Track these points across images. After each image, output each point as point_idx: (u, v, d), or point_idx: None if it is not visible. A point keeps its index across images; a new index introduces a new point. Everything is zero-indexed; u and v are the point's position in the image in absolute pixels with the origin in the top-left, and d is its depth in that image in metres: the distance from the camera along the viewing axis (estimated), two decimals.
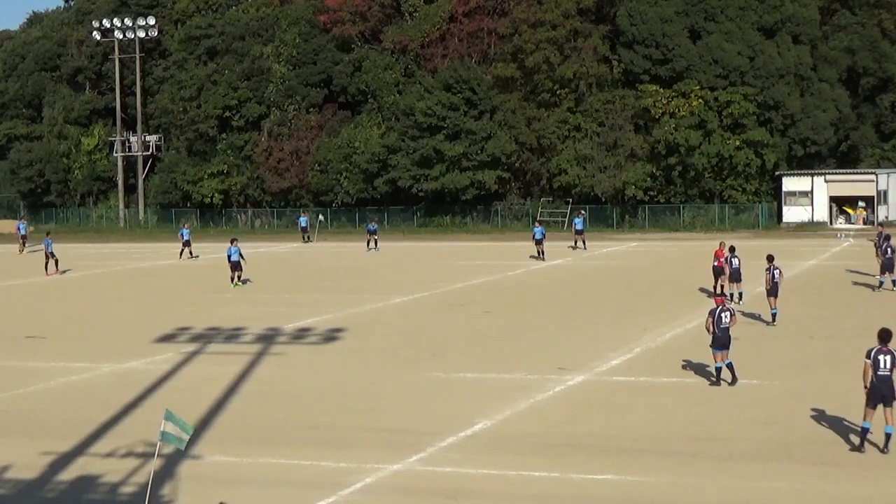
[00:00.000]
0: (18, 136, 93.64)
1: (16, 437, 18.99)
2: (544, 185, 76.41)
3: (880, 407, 16.77)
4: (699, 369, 23.27)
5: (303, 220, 69.88)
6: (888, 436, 16.71)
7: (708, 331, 21.69)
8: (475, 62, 77.20)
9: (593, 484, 15.54)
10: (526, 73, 74.40)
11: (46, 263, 49.60)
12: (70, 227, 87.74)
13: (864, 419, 16.81)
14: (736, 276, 33.84)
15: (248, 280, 43.89)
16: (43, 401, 22.14)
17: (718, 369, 21.72)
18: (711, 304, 33.01)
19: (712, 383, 21.73)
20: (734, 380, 21.56)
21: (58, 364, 26.03)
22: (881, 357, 16.83)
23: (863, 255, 44.98)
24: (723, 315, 21.61)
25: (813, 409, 19.44)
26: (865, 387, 16.84)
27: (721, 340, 21.56)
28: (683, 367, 23.65)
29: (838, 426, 18.31)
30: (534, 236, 51.83)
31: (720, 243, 36.67)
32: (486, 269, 47.19)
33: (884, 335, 17.09)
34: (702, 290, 37.25)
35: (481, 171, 73.41)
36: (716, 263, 35.42)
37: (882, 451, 16.69)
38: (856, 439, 17.29)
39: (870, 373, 16.76)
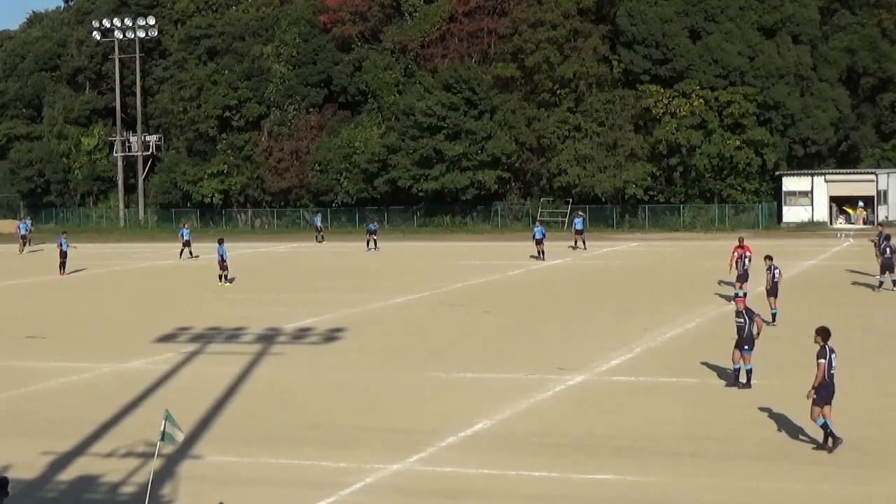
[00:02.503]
0: (18, 136, 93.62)
1: (16, 437, 18.99)
2: (544, 185, 76.41)
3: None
4: (699, 369, 23.28)
5: (317, 220, 69.89)
6: (825, 426, 16.92)
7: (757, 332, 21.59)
8: (475, 62, 77.21)
9: (593, 484, 15.54)
10: (526, 73, 74.43)
11: (61, 263, 49.13)
12: (70, 227, 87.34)
13: (821, 418, 16.87)
14: (745, 276, 33.88)
15: (234, 278, 43.97)
16: (43, 401, 22.14)
17: (749, 371, 21.57)
18: (709, 303, 33.19)
19: (742, 386, 21.53)
20: (736, 383, 21.57)
21: (58, 364, 26.03)
22: (833, 356, 17.04)
23: (863, 255, 44.95)
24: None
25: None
26: (814, 388, 16.84)
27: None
28: (684, 365, 23.65)
29: (838, 426, 18.30)
30: (534, 236, 51.85)
31: (739, 239, 36.71)
32: (486, 269, 47.19)
33: (826, 334, 17.21)
34: (723, 282, 37.24)
35: (481, 171, 73.42)
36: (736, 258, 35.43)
37: (822, 447, 16.80)
38: (854, 438, 17.30)
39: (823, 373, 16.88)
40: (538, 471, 16.13)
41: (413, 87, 76.84)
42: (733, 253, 35.43)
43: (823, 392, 16.83)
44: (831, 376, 16.92)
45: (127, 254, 62.46)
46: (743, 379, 21.47)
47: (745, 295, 33.48)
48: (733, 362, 21.72)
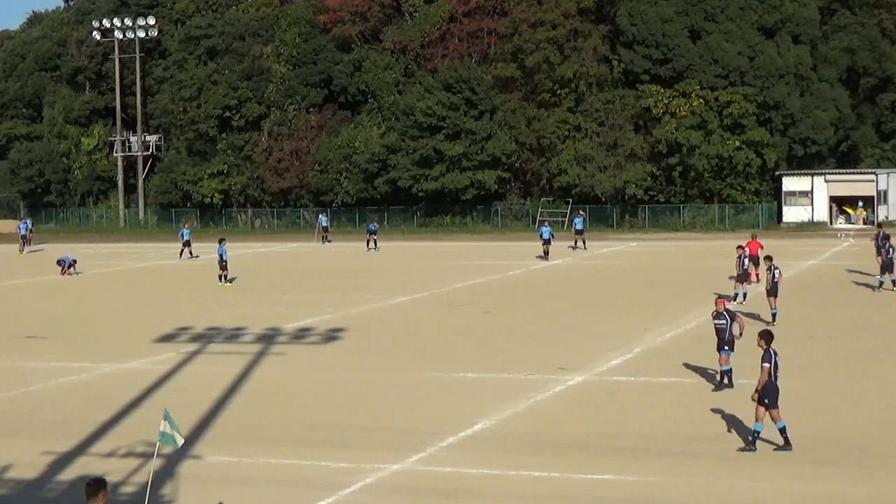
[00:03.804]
0: (18, 136, 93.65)
1: (16, 437, 18.98)
2: (544, 185, 76.45)
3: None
4: (699, 370, 23.26)
5: (323, 220, 69.86)
6: (784, 430, 16.89)
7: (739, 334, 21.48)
8: (475, 62, 77.24)
9: (593, 484, 15.53)
10: (526, 73, 74.46)
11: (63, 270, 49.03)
12: (70, 227, 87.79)
13: (777, 420, 16.85)
14: (745, 277, 33.93)
15: (234, 278, 44.02)
16: (43, 401, 22.13)
17: (728, 371, 21.43)
18: (709, 303, 33.16)
19: (724, 387, 21.43)
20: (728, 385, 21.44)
21: (58, 364, 26.02)
22: (777, 359, 17.11)
23: (863, 255, 44.97)
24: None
25: (813, 409, 19.44)
26: (759, 391, 16.80)
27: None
28: (684, 366, 23.64)
29: (838, 426, 18.32)
30: (541, 235, 51.75)
31: (752, 235, 36.95)
32: (486, 269, 47.19)
33: (769, 337, 17.30)
34: (733, 277, 37.27)
35: (481, 171, 73.45)
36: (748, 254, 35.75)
37: (783, 448, 16.78)
38: (854, 438, 17.32)
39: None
40: (538, 471, 16.13)
41: (413, 87, 76.86)
42: (745, 248, 35.87)
43: (771, 394, 16.81)
44: (776, 378, 16.95)
45: (127, 254, 62.44)
46: (725, 380, 21.33)
47: (745, 295, 33.75)
48: (720, 365, 21.54)
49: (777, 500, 14.70)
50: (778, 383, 17.02)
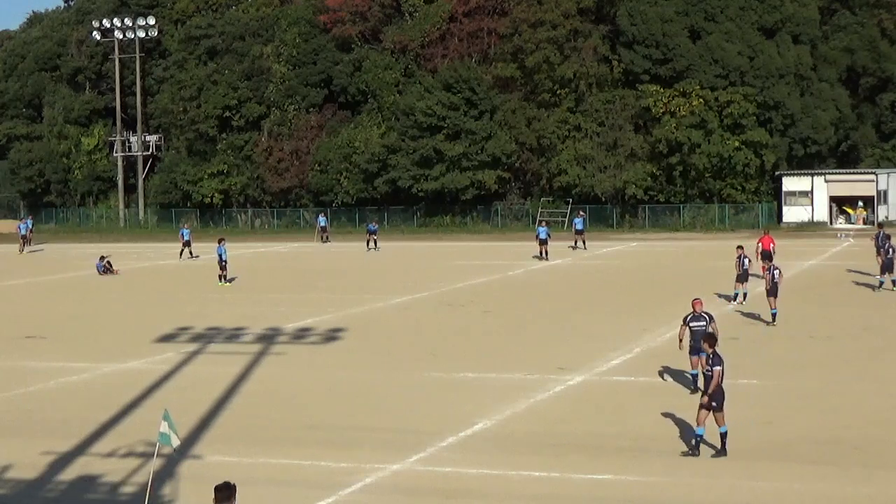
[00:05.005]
0: (18, 136, 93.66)
1: (16, 437, 18.98)
2: (544, 185, 76.41)
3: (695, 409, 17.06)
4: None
5: (321, 220, 69.84)
6: (725, 435, 16.82)
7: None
8: (475, 62, 77.23)
9: (593, 484, 15.53)
10: (526, 73, 74.45)
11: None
12: (70, 227, 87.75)
13: (722, 424, 16.76)
14: (745, 277, 33.91)
15: (234, 278, 44.02)
16: (43, 401, 22.13)
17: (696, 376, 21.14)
18: (708, 303, 33.16)
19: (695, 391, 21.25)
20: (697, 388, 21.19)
21: (57, 364, 26.02)
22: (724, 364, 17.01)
23: (863, 255, 44.98)
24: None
25: (813, 409, 19.44)
26: (709, 395, 16.71)
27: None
28: (683, 366, 23.64)
29: (838, 426, 18.32)
30: (537, 235, 51.75)
31: (764, 230, 37.32)
32: (486, 269, 47.19)
33: (713, 341, 17.25)
34: (725, 278, 37.22)
35: (481, 171, 73.43)
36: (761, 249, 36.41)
37: (720, 454, 16.71)
38: (854, 438, 17.32)
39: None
40: (538, 471, 16.13)
41: (413, 87, 76.85)
42: (758, 243, 36.00)
43: (719, 398, 16.70)
44: (721, 381, 16.79)
45: (127, 254, 62.39)
46: (701, 385, 21.08)
47: (745, 295, 33.73)
48: (692, 367, 21.01)
49: (777, 500, 14.70)
50: (723, 386, 16.83)
